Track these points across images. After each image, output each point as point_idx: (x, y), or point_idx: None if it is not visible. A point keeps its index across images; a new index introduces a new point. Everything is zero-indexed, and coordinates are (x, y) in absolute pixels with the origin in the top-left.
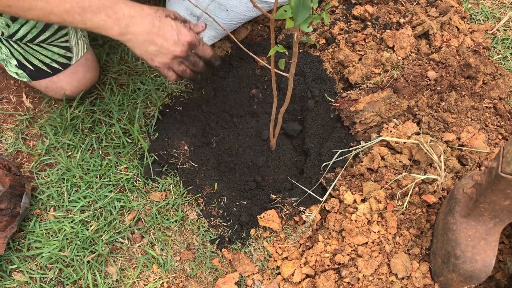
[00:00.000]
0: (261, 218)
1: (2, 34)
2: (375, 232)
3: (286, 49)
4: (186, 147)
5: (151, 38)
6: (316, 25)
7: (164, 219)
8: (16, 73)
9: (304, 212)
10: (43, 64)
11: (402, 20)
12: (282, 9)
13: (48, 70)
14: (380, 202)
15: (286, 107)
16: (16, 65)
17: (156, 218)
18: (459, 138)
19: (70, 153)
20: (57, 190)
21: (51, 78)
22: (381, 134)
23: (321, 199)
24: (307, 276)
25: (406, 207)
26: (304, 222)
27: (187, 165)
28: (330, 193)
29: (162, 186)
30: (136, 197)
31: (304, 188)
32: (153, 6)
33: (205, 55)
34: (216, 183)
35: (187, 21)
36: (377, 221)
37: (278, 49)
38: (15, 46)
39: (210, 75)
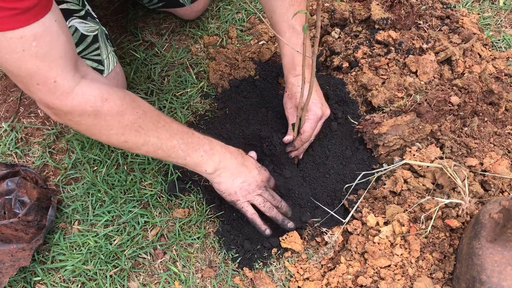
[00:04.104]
0: (283, 240)
1: None
2: (398, 255)
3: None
4: None
5: (238, 171)
6: (340, 48)
7: (187, 235)
8: None
9: (326, 233)
10: None
11: (425, 46)
12: None
13: None
14: (403, 225)
15: (308, 104)
16: None
17: (178, 234)
18: (481, 164)
19: (95, 168)
20: (82, 204)
21: None
22: (404, 157)
23: (343, 221)
24: None
25: (429, 231)
26: (326, 243)
27: (209, 183)
28: (352, 215)
29: (185, 203)
30: (160, 213)
31: (327, 209)
32: (233, 147)
33: (273, 187)
34: None
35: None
36: (400, 244)
37: (301, 12)
38: None
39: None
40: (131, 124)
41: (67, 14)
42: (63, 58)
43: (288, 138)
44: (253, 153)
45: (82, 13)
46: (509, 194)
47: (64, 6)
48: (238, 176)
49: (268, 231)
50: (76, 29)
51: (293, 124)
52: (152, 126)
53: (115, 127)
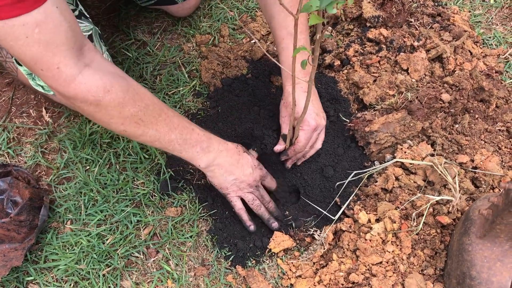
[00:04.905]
0: (273, 244)
1: None
2: (389, 252)
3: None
4: None
5: (231, 169)
6: (331, 46)
7: (179, 234)
8: (42, 87)
9: (316, 231)
10: None
11: (416, 44)
12: (308, 3)
13: None
14: (395, 222)
15: (304, 116)
16: None
17: (171, 233)
18: (472, 160)
19: (88, 167)
20: (75, 204)
21: None
22: (395, 154)
23: (333, 218)
24: None
25: (420, 227)
26: (316, 240)
27: (202, 181)
28: (344, 212)
29: (178, 201)
30: (152, 212)
31: (319, 209)
32: (234, 143)
33: (270, 187)
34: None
35: (252, 155)
36: (391, 241)
37: (302, 49)
38: None
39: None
40: (131, 116)
41: None
42: (66, 45)
43: (278, 148)
44: (253, 152)
45: (76, 13)
46: (500, 190)
47: None
48: (231, 173)
49: (252, 227)
50: None
51: (284, 135)
52: (153, 120)
53: (115, 117)
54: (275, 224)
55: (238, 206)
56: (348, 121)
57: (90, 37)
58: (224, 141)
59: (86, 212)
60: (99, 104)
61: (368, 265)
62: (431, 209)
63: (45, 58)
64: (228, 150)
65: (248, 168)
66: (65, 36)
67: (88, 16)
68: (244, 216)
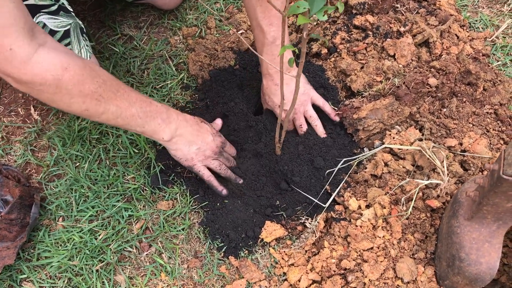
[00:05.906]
0: (265, 233)
1: None
2: (380, 237)
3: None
4: None
5: (193, 138)
6: (318, 34)
7: (172, 227)
8: None
9: (308, 219)
10: None
11: (402, 29)
12: (294, 5)
13: None
14: (385, 208)
15: (292, 110)
16: None
17: (163, 226)
18: (461, 144)
19: (78, 164)
20: (66, 200)
21: None
22: (384, 140)
23: (324, 205)
24: (314, 282)
25: (410, 212)
26: (308, 228)
27: (193, 174)
28: (334, 199)
29: (169, 195)
30: (144, 206)
31: (310, 197)
32: (190, 115)
33: (230, 153)
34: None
35: (211, 124)
36: (382, 227)
37: (288, 48)
38: None
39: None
40: (91, 93)
41: (34, 10)
42: (15, 26)
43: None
44: (218, 121)
45: (53, 8)
46: (488, 171)
47: (31, 1)
48: (193, 143)
49: (224, 191)
50: (45, 25)
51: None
52: (112, 95)
53: (76, 96)
54: (240, 180)
55: (207, 174)
56: (336, 108)
57: (66, 33)
58: (182, 113)
59: (77, 208)
60: (59, 83)
61: (359, 251)
62: (420, 194)
63: None
64: (187, 120)
65: (209, 136)
66: (11, 16)
67: (71, 10)
68: (215, 182)
